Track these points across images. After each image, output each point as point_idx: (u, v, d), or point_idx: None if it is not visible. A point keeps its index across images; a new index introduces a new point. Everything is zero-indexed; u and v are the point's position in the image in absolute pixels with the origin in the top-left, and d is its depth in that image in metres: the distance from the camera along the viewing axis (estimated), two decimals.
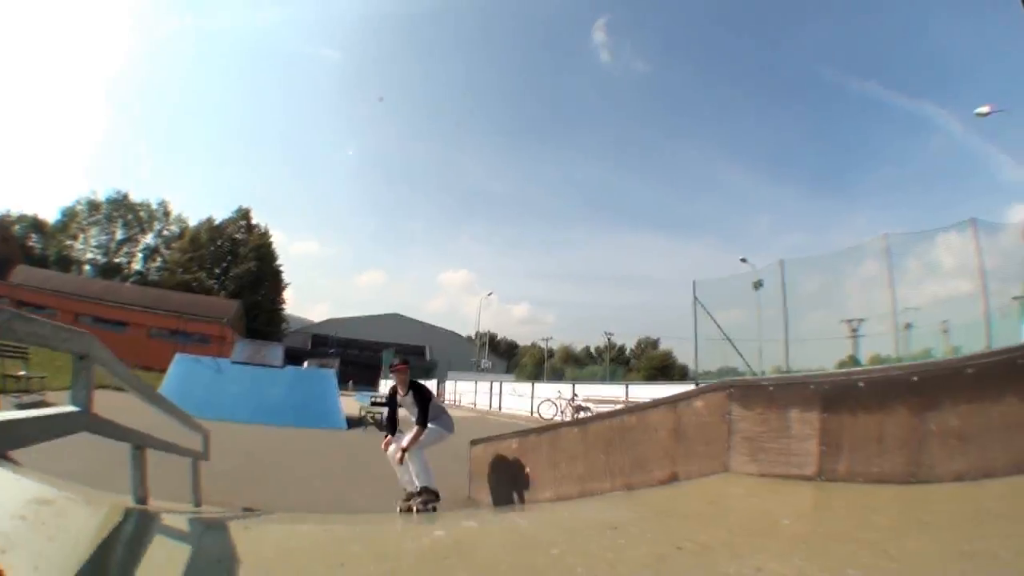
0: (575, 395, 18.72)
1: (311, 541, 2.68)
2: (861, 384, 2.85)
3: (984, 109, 17.42)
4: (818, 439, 2.90)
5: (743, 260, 19.23)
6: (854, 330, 13.81)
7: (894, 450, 2.75)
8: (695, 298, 15.45)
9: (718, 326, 14.39)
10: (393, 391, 5.47)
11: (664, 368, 60.59)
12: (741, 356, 13.84)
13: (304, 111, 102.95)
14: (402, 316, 71.62)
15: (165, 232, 61.00)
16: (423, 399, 5.26)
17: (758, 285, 14.31)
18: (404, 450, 5.01)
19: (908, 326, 13.43)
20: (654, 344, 69.89)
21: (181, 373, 14.31)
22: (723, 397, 3.27)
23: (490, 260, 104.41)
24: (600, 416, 4.79)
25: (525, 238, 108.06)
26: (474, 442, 6.18)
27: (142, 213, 60.13)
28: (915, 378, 2.75)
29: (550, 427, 5.65)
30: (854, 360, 13.46)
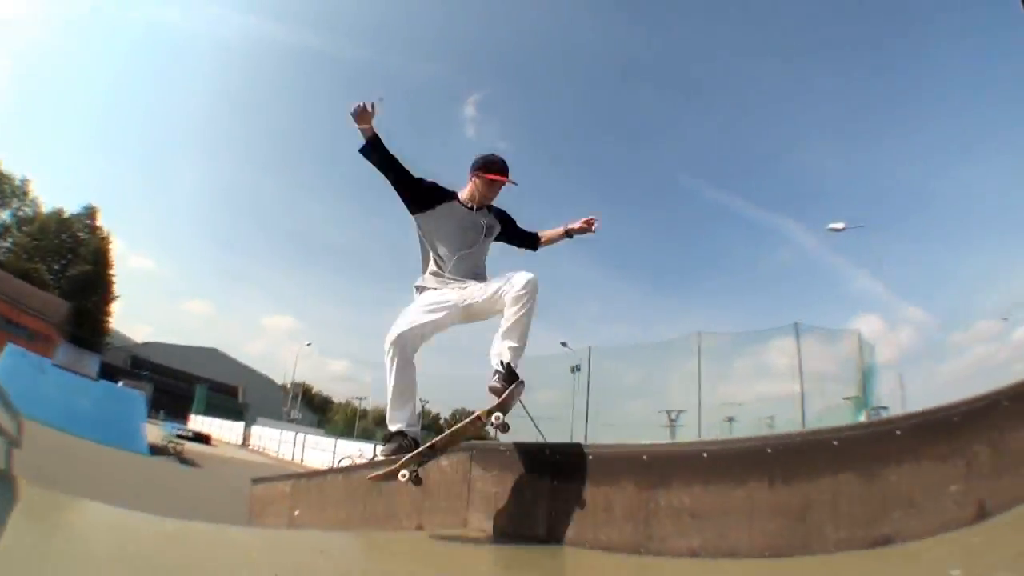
0: (374, 455, 18.96)
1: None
2: (591, 456, 2.88)
3: (839, 225, 18.73)
4: (547, 503, 2.85)
5: (563, 344, 19.02)
6: (672, 420, 14.59)
7: (622, 520, 2.69)
8: None
9: (521, 403, 14.60)
10: (446, 194, 2.90)
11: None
12: (540, 432, 14.10)
13: (173, 114, 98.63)
14: (220, 352, 67.61)
15: (20, 213, 53.95)
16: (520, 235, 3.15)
17: (575, 369, 15.04)
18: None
19: (731, 420, 14.12)
20: (468, 415, 70.13)
21: (10, 366, 13.86)
22: (466, 458, 3.34)
23: (318, 310, 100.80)
24: (362, 466, 4.96)
25: (356, 294, 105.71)
26: (255, 480, 6.03)
27: (5, 186, 53.06)
28: (645, 457, 2.81)
29: (319, 473, 5.62)
30: None
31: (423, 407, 47.37)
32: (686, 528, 2.56)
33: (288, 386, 58.29)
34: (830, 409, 13.64)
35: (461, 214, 2.88)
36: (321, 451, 24.05)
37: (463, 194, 2.92)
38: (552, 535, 2.74)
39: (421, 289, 2.87)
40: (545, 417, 13.87)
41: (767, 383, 14.80)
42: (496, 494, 3.05)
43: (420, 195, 2.85)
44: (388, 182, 2.81)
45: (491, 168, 2.86)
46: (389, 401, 2.69)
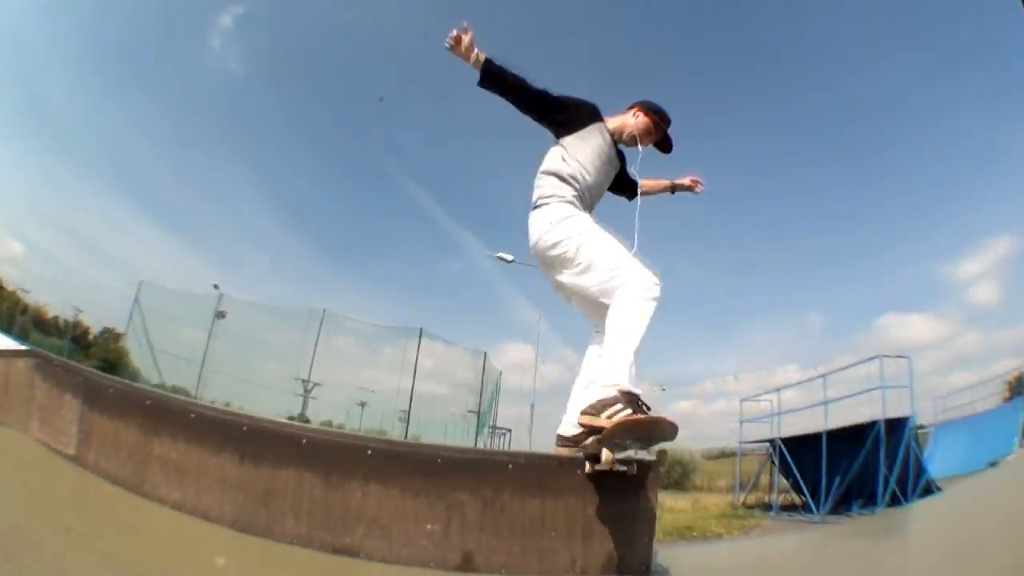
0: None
1: None
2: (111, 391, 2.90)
3: (507, 256, 19.10)
4: (78, 427, 2.93)
5: (215, 286, 16.96)
6: (307, 390, 13.78)
7: (126, 458, 2.78)
8: (136, 299, 14.57)
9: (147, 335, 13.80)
10: (595, 114, 2.55)
11: None
12: (157, 367, 13.65)
13: None
14: None
15: None
16: None
17: (220, 315, 13.93)
18: None
19: (363, 404, 14.60)
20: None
21: None
22: (33, 365, 3.35)
23: None
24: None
25: None
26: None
27: None
28: (148, 402, 2.77)
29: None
30: (302, 417, 13.76)
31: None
32: (172, 480, 2.60)
33: None
34: (463, 416, 14.69)
35: (606, 143, 2.50)
36: None
37: (611, 122, 2.58)
38: (79, 457, 2.85)
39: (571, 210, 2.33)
40: (182, 358, 13.62)
41: (409, 379, 14.61)
42: (48, 407, 3.17)
43: (565, 114, 2.44)
44: (520, 110, 2.40)
45: (664, 118, 2.61)
46: (627, 352, 2.06)
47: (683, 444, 29.33)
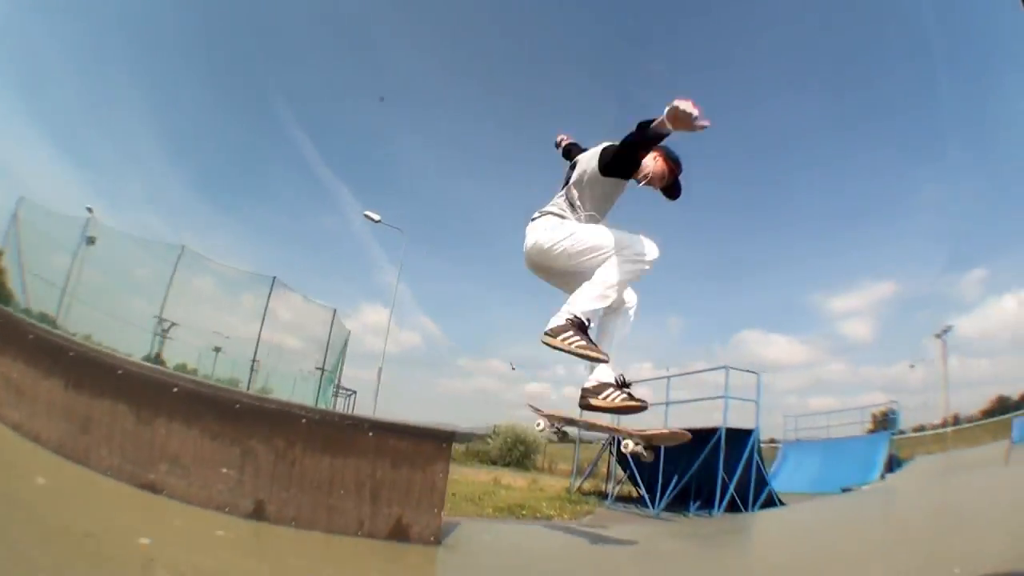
0: None
1: None
2: None
3: (375, 216, 19.05)
4: None
5: (89, 209, 16.31)
6: (164, 330, 13.30)
7: None
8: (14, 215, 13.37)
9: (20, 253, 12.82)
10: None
11: None
12: (24, 289, 12.42)
13: None
14: None
15: None
16: None
17: (91, 241, 13.42)
18: None
19: (218, 350, 14.11)
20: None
21: None
22: None
23: None
24: None
25: None
26: None
27: None
28: None
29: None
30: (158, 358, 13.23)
31: None
32: (12, 400, 2.68)
33: None
34: (311, 373, 14.54)
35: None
36: None
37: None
38: None
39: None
40: (50, 283, 12.66)
41: (265, 328, 13.96)
42: None
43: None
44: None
45: (680, 166, 2.68)
46: (594, 290, 2.29)
47: (527, 424, 29.81)
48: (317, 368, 14.84)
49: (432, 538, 2.24)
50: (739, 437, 12.67)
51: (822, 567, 2.67)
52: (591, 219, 2.50)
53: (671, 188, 2.67)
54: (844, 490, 7.10)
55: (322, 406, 12.58)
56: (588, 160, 2.54)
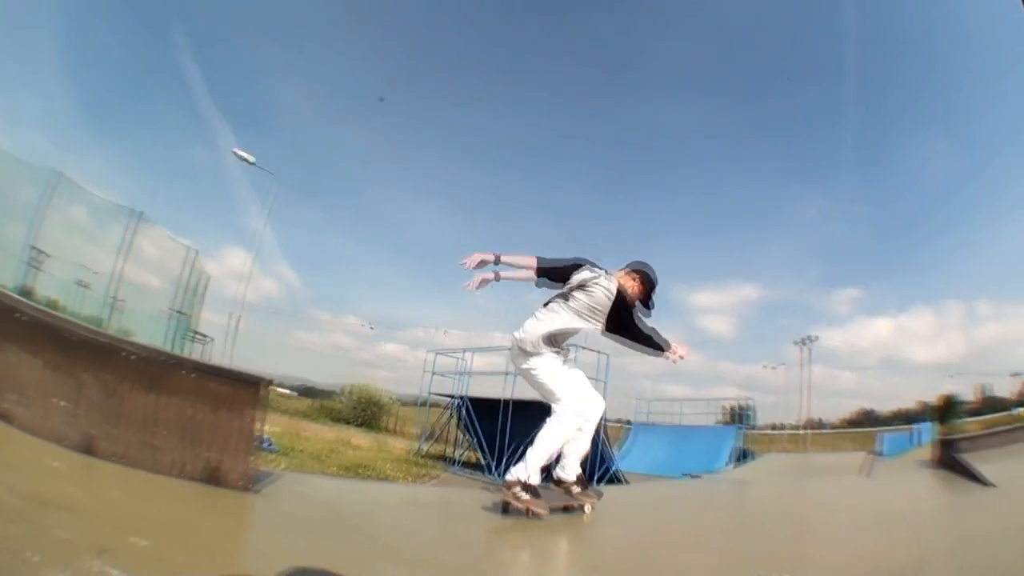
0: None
1: None
2: None
3: (249, 156, 19.32)
4: None
5: None
6: (34, 260, 12.72)
7: None
8: None
9: None
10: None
11: None
12: None
13: None
14: None
15: None
16: None
17: None
18: None
19: (85, 286, 13.60)
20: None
21: None
22: None
23: None
24: None
25: None
26: None
27: None
28: None
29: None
30: (28, 290, 12.44)
31: None
32: None
33: None
34: (170, 315, 14.16)
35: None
36: None
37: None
38: None
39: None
40: None
41: (131, 265, 13.71)
42: None
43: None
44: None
45: (654, 285, 3.27)
46: (536, 456, 3.00)
47: (382, 386, 29.20)
48: (174, 311, 14.50)
49: (246, 485, 2.33)
50: None
51: (648, 548, 2.76)
52: (556, 354, 3.11)
53: (645, 302, 3.24)
54: (688, 476, 7.09)
55: (176, 352, 12.24)
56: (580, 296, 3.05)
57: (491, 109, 72.12)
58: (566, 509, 3.22)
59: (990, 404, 50.16)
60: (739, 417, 26.58)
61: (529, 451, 2.99)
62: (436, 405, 18.32)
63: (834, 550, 2.66)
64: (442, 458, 16.45)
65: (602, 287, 2.96)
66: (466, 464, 16.09)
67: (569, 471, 3.15)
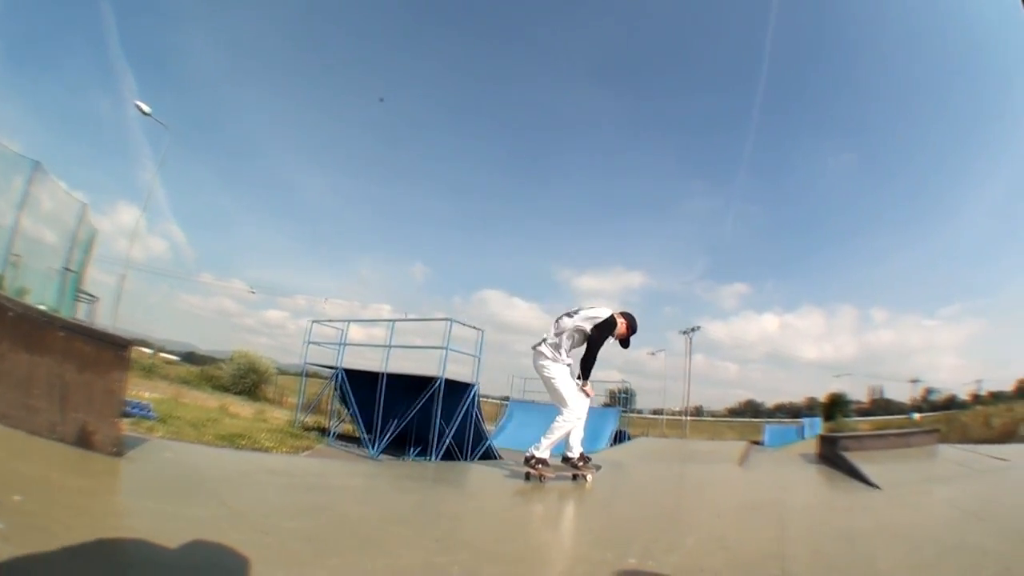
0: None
1: None
2: None
3: (146, 107, 19.45)
4: None
5: None
6: None
7: None
8: None
9: None
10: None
11: None
12: None
13: None
14: None
15: None
16: None
17: None
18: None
19: None
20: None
21: None
22: None
23: None
24: None
25: None
26: None
27: None
28: None
29: None
30: None
31: None
32: None
33: None
34: (60, 272, 13.63)
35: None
36: None
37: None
38: None
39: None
40: None
41: (26, 218, 12.82)
42: None
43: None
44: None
45: (635, 330, 4.36)
46: (549, 442, 4.07)
47: (263, 353, 28.11)
48: (66, 269, 14.13)
49: (114, 449, 2.39)
50: (460, 389, 13.14)
51: (508, 524, 2.85)
52: (568, 365, 4.14)
53: (624, 341, 4.34)
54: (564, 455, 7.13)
55: (65, 313, 11.90)
56: (576, 325, 4.13)
57: (393, 79, 71.25)
58: (574, 478, 4.17)
59: (883, 406, 52.00)
60: (620, 400, 27.23)
61: (543, 438, 4.05)
62: (318, 376, 18.10)
63: (689, 536, 2.67)
64: (321, 430, 16.25)
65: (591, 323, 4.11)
66: (344, 437, 15.86)
67: (574, 451, 4.16)
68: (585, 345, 4.14)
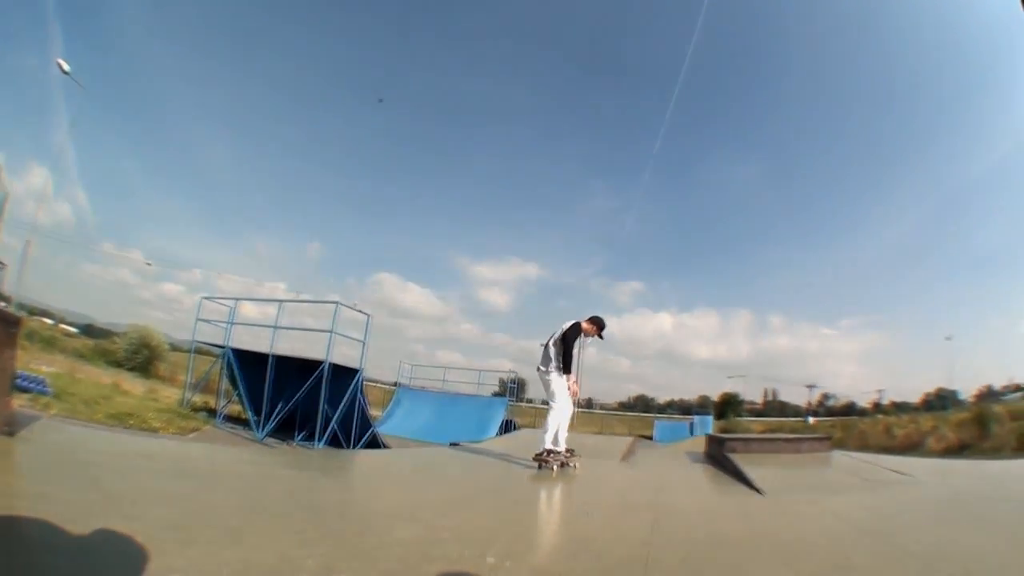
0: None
1: None
2: None
3: (65, 65, 19.47)
4: None
5: None
6: None
7: None
8: None
9: None
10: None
11: None
12: None
13: None
14: None
15: None
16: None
17: None
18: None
19: None
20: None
21: None
22: None
23: None
24: None
25: None
26: None
27: None
28: None
29: None
30: None
31: None
32: None
33: None
34: None
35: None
36: None
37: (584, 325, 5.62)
38: None
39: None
40: None
41: None
42: None
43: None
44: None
45: (603, 329, 5.72)
46: (547, 434, 5.27)
47: (159, 328, 27.43)
48: None
49: (5, 427, 2.38)
50: (345, 374, 13.06)
51: (373, 517, 2.92)
52: (558, 369, 5.33)
53: (599, 335, 5.64)
54: (452, 444, 7.45)
55: None
56: (555, 341, 5.38)
57: (308, 57, 68.09)
58: (563, 466, 5.04)
59: (778, 408, 52.29)
60: (509, 389, 27.15)
61: (543, 435, 5.22)
62: (209, 354, 17.28)
63: (555, 536, 2.72)
64: (210, 411, 15.49)
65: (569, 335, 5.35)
66: (232, 418, 15.24)
67: (561, 444, 5.26)
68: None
